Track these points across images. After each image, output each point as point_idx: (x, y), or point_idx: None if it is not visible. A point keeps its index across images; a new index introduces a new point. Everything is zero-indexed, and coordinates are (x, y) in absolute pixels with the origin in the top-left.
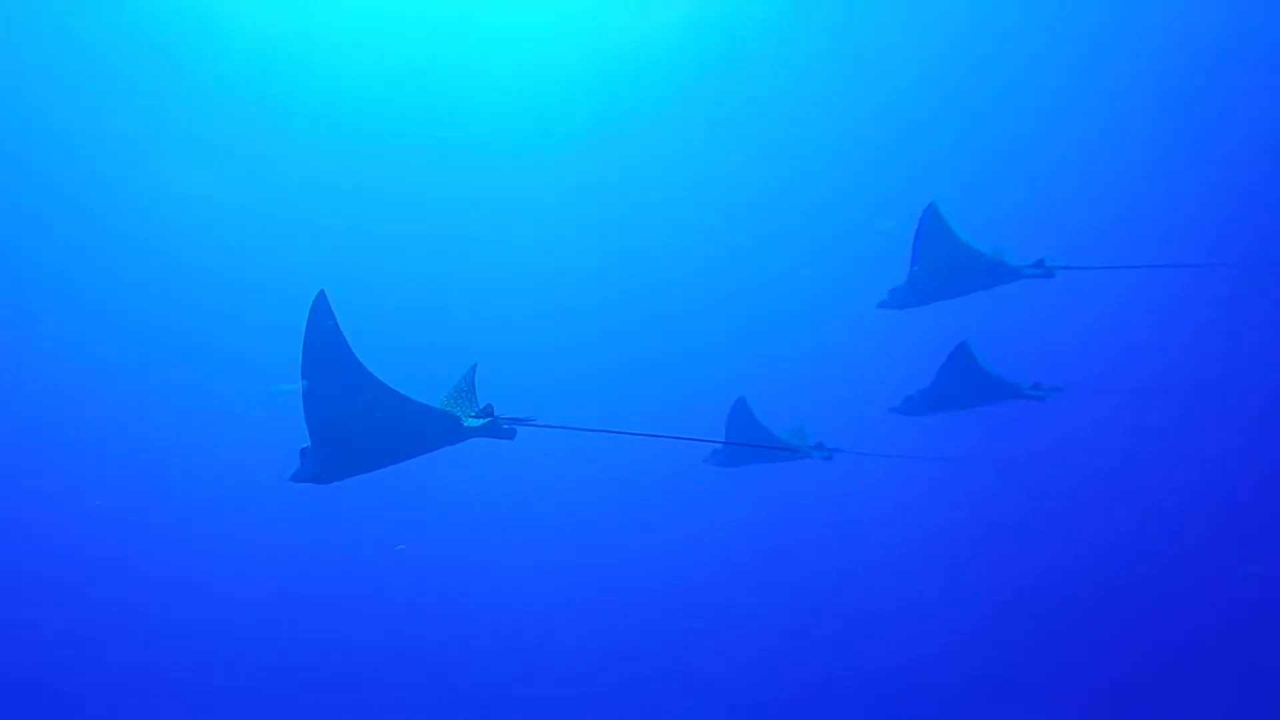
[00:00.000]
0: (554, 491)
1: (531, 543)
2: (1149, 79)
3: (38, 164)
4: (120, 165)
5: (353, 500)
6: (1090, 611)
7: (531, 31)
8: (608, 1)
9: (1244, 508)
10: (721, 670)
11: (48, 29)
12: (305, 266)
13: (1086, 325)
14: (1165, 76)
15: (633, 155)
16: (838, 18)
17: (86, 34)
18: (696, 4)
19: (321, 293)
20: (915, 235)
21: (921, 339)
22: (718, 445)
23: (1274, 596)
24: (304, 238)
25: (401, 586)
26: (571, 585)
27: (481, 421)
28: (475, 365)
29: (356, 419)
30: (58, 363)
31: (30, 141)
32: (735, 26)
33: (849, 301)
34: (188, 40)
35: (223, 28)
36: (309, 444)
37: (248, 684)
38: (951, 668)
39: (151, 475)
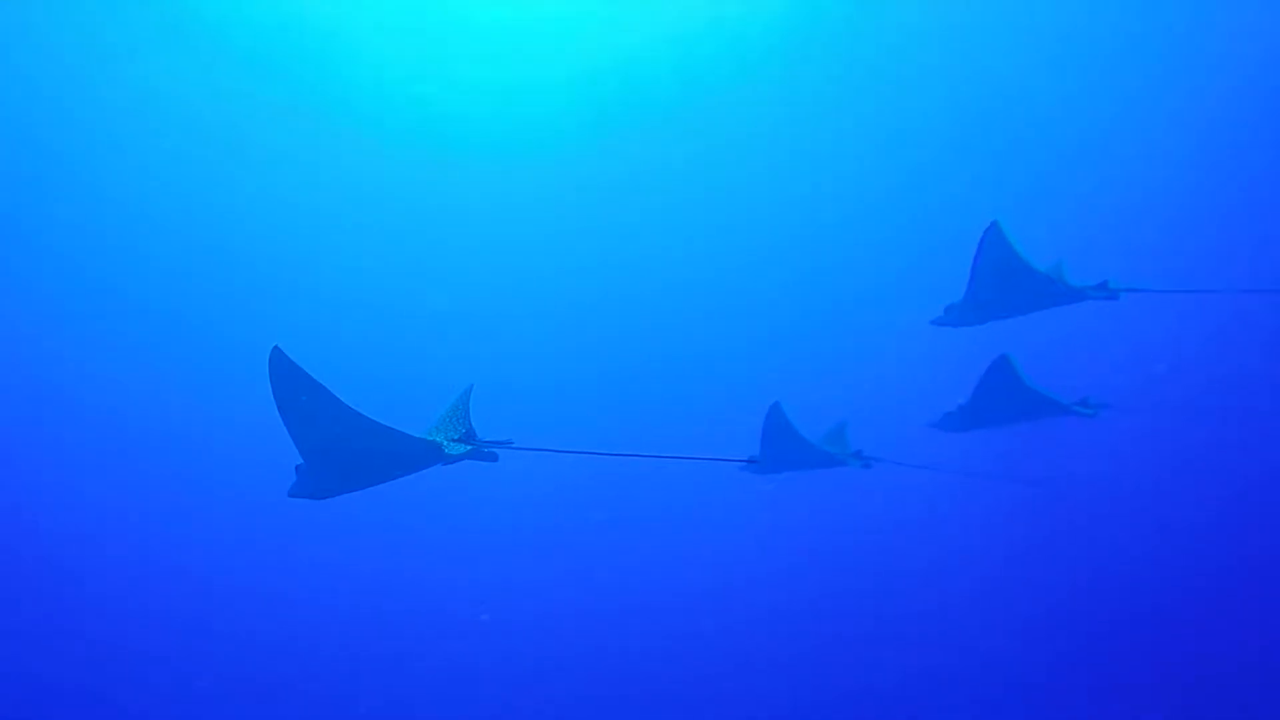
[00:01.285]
0: (577, 499)
1: (546, 552)
2: (1205, 99)
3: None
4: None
5: (373, 508)
6: (1137, 635)
7: (567, 29)
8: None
9: None
10: (741, 678)
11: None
12: (321, 271)
13: (1137, 342)
14: (1221, 98)
15: (678, 155)
16: (891, 20)
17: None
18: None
19: (276, 348)
20: (976, 254)
21: (965, 349)
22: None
23: None
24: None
25: (415, 595)
26: (592, 595)
27: (462, 449)
28: (471, 386)
29: (339, 449)
30: (104, 357)
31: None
32: (787, 28)
33: (892, 311)
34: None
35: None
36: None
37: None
38: (977, 682)
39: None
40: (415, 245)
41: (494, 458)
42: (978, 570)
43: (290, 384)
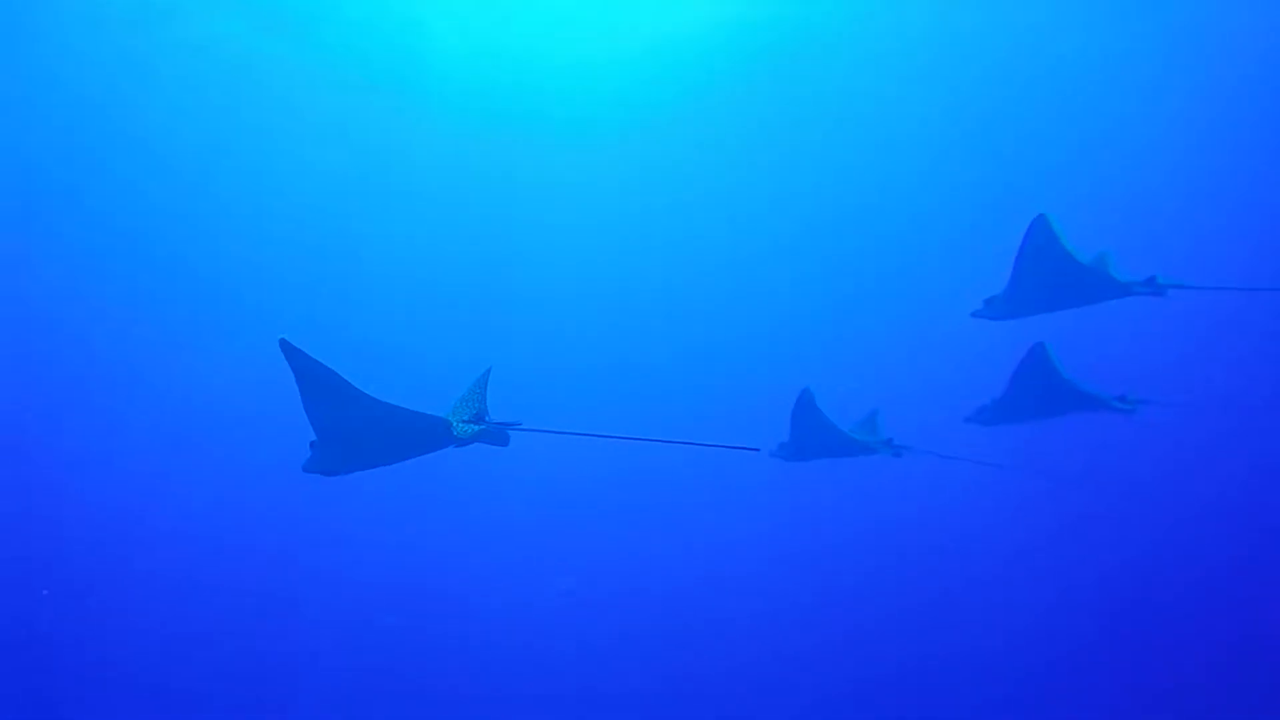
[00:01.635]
0: (604, 484)
1: (565, 538)
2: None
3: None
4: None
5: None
6: (1166, 634)
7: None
8: None
9: None
10: (759, 666)
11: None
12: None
13: (1179, 337)
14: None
15: (717, 143)
16: (921, 16)
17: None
18: None
19: (283, 340)
20: (1021, 246)
21: (1002, 342)
22: (783, 437)
23: None
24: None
25: (427, 582)
26: (608, 582)
27: (473, 428)
28: (490, 369)
29: (349, 427)
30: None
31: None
32: (817, 18)
33: (928, 304)
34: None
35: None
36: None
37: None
38: (994, 676)
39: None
40: (451, 223)
41: (506, 440)
42: (1005, 563)
43: (298, 369)
